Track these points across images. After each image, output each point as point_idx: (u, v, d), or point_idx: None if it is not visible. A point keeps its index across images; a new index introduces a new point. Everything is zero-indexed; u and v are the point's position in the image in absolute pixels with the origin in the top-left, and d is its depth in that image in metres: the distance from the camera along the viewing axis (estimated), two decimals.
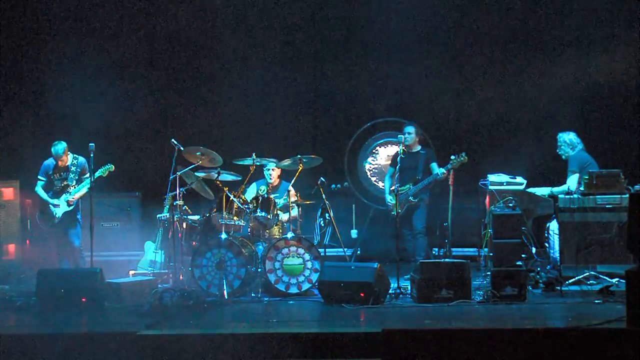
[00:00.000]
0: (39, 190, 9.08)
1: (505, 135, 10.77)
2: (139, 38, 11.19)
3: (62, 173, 9.06)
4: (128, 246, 9.95)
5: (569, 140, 8.56)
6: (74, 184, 8.99)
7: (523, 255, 7.62)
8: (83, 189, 8.94)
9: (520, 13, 10.83)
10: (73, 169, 9.02)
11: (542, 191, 8.44)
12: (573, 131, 8.72)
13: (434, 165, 9.17)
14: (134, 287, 7.97)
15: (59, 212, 8.96)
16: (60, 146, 8.99)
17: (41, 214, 9.07)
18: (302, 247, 8.22)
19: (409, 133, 9.23)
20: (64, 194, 8.97)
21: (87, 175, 8.87)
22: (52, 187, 9.06)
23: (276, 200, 8.75)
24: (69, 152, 9.04)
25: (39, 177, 9.10)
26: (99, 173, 8.90)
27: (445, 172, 8.90)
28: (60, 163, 9.03)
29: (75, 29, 11.09)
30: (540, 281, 8.09)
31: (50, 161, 9.10)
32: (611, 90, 10.57)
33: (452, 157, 8.80)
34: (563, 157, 8.64)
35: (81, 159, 9.04)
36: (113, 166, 9.02)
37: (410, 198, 9.08)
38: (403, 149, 9.04)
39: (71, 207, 8.99)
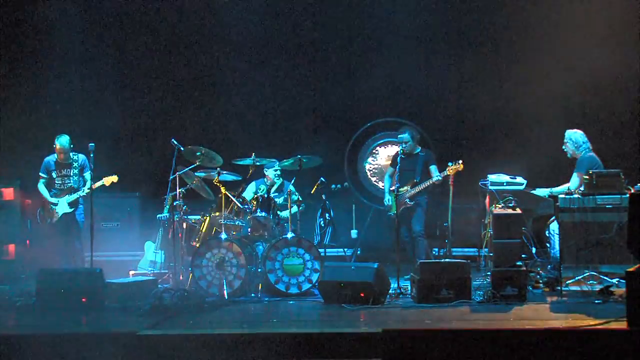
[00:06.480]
0: (41, 187, 9.06)
1: (505, 135, 10.77)
2: (139, 38, 11.19)
3: (63, 170, 9.04)
4: (128, 246, 9.96)
5: (574, 139, 8.51)
6: (77, 186, 8.98)
7: (523, 255, 7.62)
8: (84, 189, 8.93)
9: (520, 12, 10.83)
10: (75, 165, 8.99)
11: (542, 192, 8.42)
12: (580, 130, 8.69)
13: (434, 167, 9.15)
14: (134, 287, 7.96)
15: (59, 211, 8.96)
16: (65, 139, 8.94)
17: (42, 210, 9.07)
18: (302, 247, 8.22)
19: (405, 142, 9.18)
20: (66, 195, 8.97)
21: (88, 172, 8.87)
22: (53, 185, 9.05)
23: (276, 200, 8.76)
24: (70, 150, 9.01)
25: (40, 174, 9.07)
26: (102, 182, 8.83)
27: (441, 179, 8.89)
28: (61, 158, 9.00)
29: (75, 30, 11.08)
30: (541, 281, 8.09)
31: (51, 157, 9.08)
32: (611, 90, 10.56)
33: (450, 163, 8.78)
34: (568, 155, 8.58)
35: (81, 156, 9.01)
36: (117, 177, 8.93)
37: (407, 200, 9.07)
38: (403, 150, 9.12)
39: (72, 209, 8.99)
